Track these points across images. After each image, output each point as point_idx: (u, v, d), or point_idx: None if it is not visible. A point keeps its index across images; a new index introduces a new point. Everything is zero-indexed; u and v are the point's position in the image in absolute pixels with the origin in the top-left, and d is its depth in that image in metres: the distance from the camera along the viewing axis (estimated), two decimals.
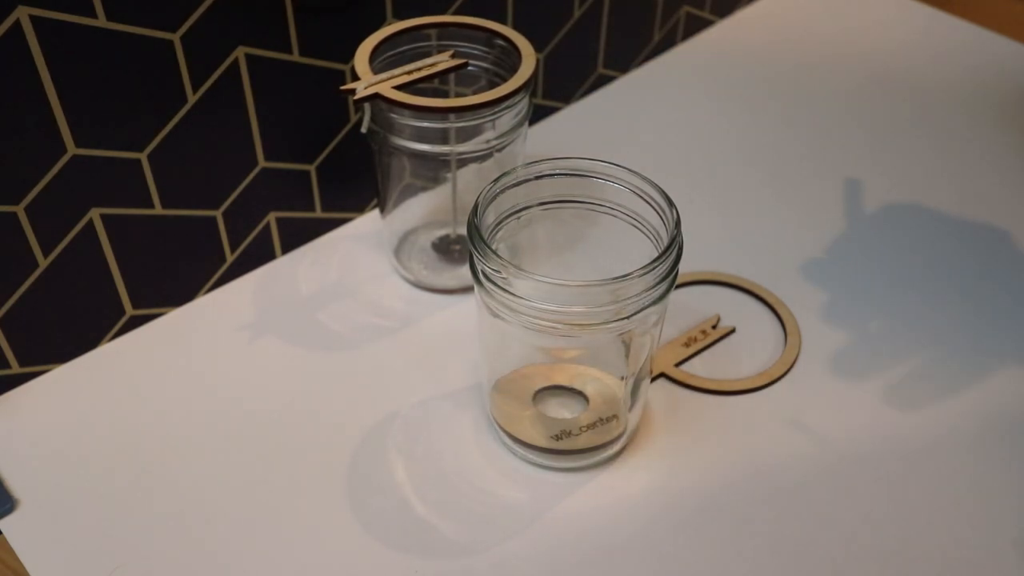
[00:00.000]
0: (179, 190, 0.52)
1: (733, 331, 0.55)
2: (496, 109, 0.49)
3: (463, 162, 0.53)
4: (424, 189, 0.58)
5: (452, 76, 0.54)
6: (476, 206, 0.43)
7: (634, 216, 0.46)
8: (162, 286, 0.55)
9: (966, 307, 0.57)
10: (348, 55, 0.55)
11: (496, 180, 0.44)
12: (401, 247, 0.59)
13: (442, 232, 0.60)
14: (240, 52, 0.50)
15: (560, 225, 0.48)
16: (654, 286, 0.41)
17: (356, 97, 0.48)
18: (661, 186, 0.44)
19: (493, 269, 0.41)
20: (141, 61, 0.47)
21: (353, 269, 0.59)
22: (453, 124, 0.50)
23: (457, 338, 0.55)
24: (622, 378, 0.46)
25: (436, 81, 0.52)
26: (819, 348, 0.54)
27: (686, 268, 0.58)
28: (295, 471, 0.48)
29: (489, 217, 0.44)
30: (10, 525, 0.45)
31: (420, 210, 0.59)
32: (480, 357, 0.49)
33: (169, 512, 0.46)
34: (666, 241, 0.42)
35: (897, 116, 0.72)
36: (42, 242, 0.48)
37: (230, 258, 0.57)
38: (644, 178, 0.45)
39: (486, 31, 0.53)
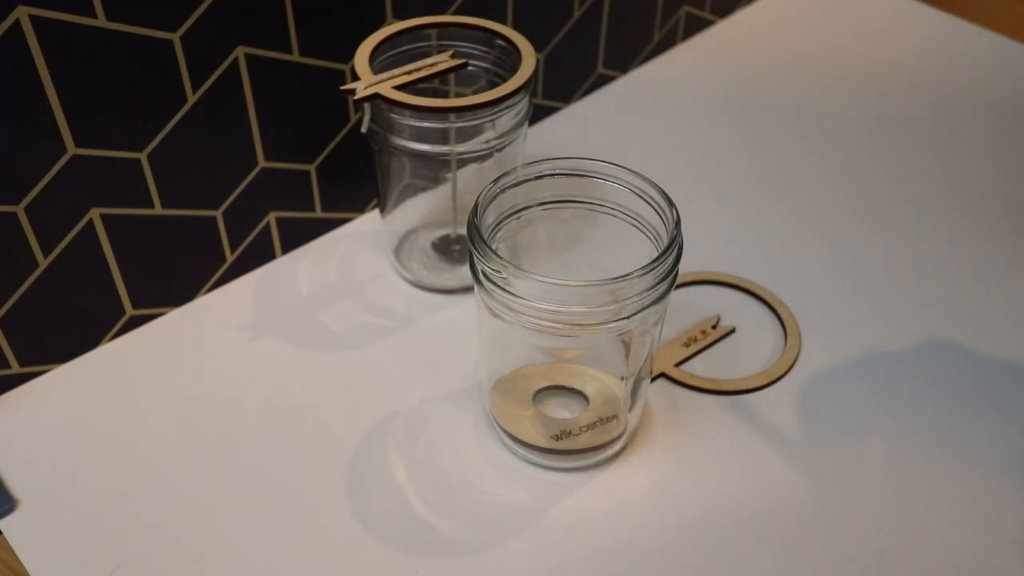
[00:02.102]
0: (179, 190, 0.52)
1: (733, 331, 0.55)
2: (496, 109, 0.49)
3: (463, 162, 0.53)
4: (424, 189, 0.58)
5: (452, 76, 0.54)
6: (476, 206, 0.43)
7: (634, 216, 0.46)
8: (162, 286, 0.55)
9: (967, 305, 0.57)
10: (348, 55, 0.55)
11: (496, 180, 0.44)
12: (401, 247, 0.59)
13: (442, 232, 0.60)
14: (240, 52, 0.50)
15: (560, 225, 0.48)
16: (654, 286, 0.41)
17: (356, 97, 0.48)
18: (661, 186, 0.44)
19: (493, 269, 0.41)
20: (141, 61, 0.47)
21: (353, 269, 0.59)
22: (453, 124, 0.50)
23: (457, 338, 0.55)
24: (622, 378, 0.46)
25: (436, 81, 0.52)
26: (819, 348, 0.54)
27: (686, 268, 0.58)
28: (295, 471, 0.48)
29: (489, 217, 0.44)
30: (10, 525, 0.45)
31: (420, 210, 0.59)
32: (480, 357, 0.49)
33: (169, 512, 0.46)
34: (666, 241, 0.42)
35: (897, 115, 0.72)
36: (42, 242, 0.48)
37: (230, 258, 0.57)
38: (644, 178, 0.45)
39: (486, 31, 0.53)
